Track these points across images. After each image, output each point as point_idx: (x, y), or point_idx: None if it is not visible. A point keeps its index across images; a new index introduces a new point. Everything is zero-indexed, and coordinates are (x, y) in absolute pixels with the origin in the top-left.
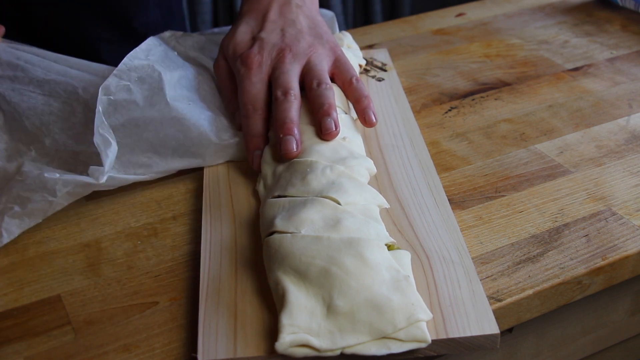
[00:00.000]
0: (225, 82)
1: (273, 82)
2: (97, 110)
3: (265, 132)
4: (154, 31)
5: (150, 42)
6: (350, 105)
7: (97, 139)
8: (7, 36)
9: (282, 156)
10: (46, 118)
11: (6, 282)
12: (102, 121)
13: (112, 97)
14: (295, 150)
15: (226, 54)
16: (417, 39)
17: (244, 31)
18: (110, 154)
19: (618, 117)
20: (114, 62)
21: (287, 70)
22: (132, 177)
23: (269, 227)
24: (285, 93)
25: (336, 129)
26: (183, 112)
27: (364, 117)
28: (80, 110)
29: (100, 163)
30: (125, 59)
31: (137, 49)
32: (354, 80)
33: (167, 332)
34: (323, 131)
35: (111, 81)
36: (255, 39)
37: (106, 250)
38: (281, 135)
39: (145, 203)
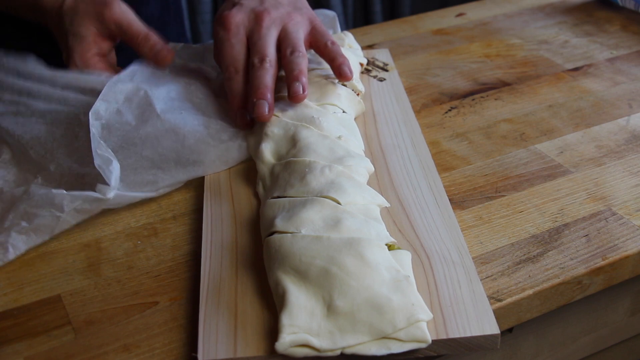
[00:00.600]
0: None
1: (251, 47)
2: (91, 134)
3: (246, 94)
4: (152, 26)
5: (134, 67)
6: (350, 104)
7: (97, 161)
8: (2, 31)
9: (255, 119)
10: (50, 145)
11: (6, 282)
12: (98, 142)
13: (103, 121)
14: (267, 113)
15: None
16: (417, 39)
17: (229, 1)
18: (113, 170)
19: (618, 117)
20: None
21: (264, 36)
22: (139, 195)
23: (269, 227)
24: (261, 60)
25: (303, 92)
26: (176, 122)
27: (340, 72)
28: (82, 134)
29: (105, 183)
30: (108, 82)
31: (120, 73)
32: (329, 43)
33: (167, 332)
34: (291, 94)
35: (99, 106)
36: (235, 4)
37: (106, 250)
38: (255, 99)
39: (145, 203)
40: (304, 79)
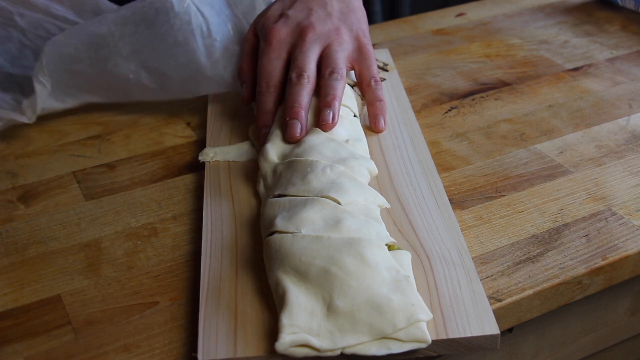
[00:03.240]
0: (247, 55)
1: (292, 61)
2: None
3: (275, 111)
4: None
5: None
6: (358, 107)
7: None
8: None
9: (287, 139)
10: None
11: (6, 282)
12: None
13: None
14: (298, 134)
15: (256, 28)
16: (417, 39)
17: (275, 8)
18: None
19: (618, 117)
20: None
21: (306, 51)
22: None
23: (269, 227)
24: (299, 76)
25: (333, 121)
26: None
27: (375, 122)
28: (15, 36)
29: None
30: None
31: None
32: (372, 81)
33: (167, 332)
34: (320, 121)
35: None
36: (282, 15)
37: (106, 250)
38: (287, 119)
39: (145, 203)
40: (336, 106)
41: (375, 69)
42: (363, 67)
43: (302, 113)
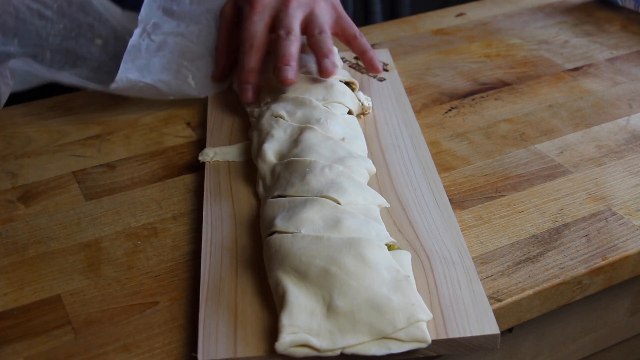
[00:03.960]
0: (225, 24)
1: (276, 24)
2: None
3: (259, 70)
4: None
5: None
6: (353, 104)
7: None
8: None
9: (279, 83)
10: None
11: (6, 282)
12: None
13: None
14: (291, 77)
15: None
16: (417, 39)
17: None
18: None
19: (618, 117)
20: None
21: (291, 15)
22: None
23: (269, 227)
24: (288, 33)
25: (333, 69)
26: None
27: (372, 66)
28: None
29: None
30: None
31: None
32: (357, 35)
33: (167, 332)
34: (322, 70)
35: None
36: None
37: (106, 250)
38: (280, 65)
39: (145, 203)
40: (333, 58)
41: (355, 27)
42: (345, 27)
43: (293, 62)
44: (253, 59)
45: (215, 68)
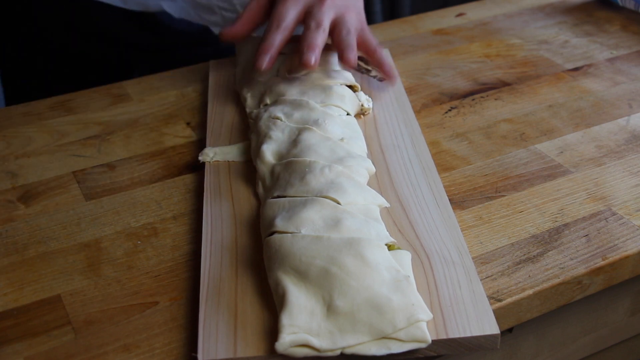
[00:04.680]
0: (256, 4)
1: (307, 16)
2: None
3: (279, 48)
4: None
5: None
6: (353, 106)
7: None
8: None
9: (301, 64)
10: None
11: (6, 282)
12: None
13: None
14: (313, 62)
15: None
16: (417, 39)
17: None
18: None
19: (618, 117)
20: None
21: (324, 11)
22: None
23: (269, 227)
24: (318, 26)
25: (354, 59)
26: None
27: (390, 77)
28: None
29: None
30: None
31: None
32: (377, 48)
33: (167, 332)
34: (345, 60)
35: None
36: None
37: (106, 250)
38: (305, 49)
39: (145, 203)
40: (355, 52)
41: (376, 40)
42: (367, 39)
43: (318, 50)
44: (277, 37)
45: (231, 27)
